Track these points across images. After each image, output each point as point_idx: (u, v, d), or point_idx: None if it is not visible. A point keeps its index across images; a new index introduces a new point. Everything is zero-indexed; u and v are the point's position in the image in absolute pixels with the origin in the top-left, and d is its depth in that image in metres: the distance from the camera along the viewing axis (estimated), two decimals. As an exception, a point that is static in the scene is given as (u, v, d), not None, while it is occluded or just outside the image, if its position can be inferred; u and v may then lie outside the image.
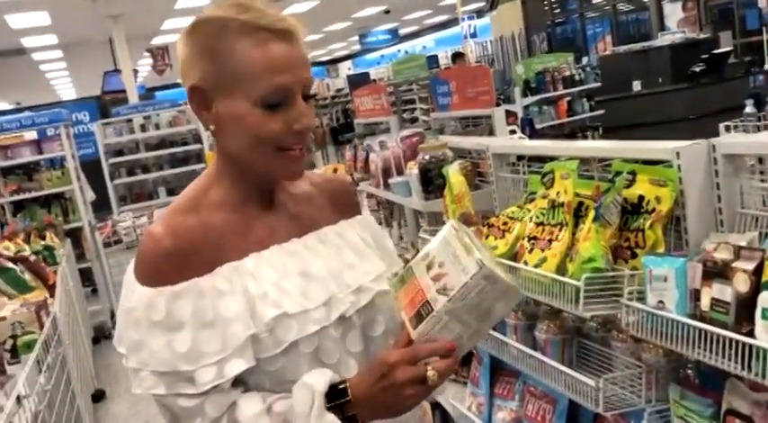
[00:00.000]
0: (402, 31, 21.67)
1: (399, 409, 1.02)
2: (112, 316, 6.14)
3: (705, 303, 1.29)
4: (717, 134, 2.25)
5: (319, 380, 1.02)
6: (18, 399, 2.26)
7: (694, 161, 1.52)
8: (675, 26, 14.12)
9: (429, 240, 1.12)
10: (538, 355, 1.84)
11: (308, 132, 1.07)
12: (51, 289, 3.96)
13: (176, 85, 21.41)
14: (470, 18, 13.93)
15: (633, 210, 1.60)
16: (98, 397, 4.74)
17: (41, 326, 3.05)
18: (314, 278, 1.09)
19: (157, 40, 14.83)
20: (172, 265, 1.03)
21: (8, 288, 3.63)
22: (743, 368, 1.20)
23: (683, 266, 1.34)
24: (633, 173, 1.62)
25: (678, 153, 1.52)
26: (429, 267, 1.05)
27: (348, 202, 1.29)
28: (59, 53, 15.09)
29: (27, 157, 6.13)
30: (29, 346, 2.85)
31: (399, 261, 1.30)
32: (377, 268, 1.17)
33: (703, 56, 9.26)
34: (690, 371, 1.55)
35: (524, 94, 7.31)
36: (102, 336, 5.96)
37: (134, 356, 1.03)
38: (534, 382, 2.03)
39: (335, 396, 1.02)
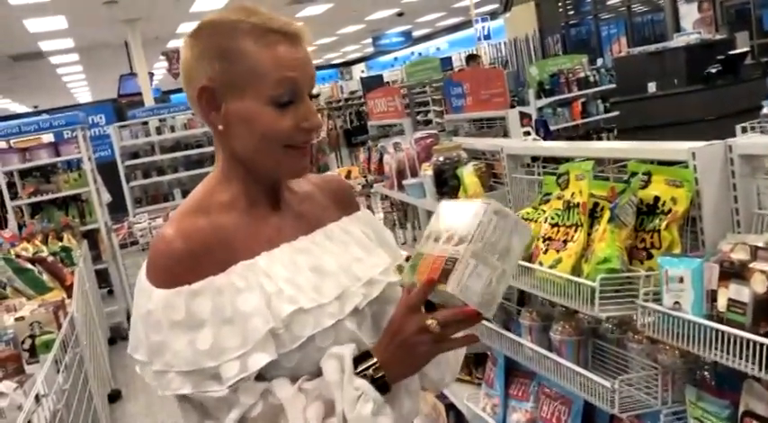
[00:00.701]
0: (415, 34, 21.71)
1: (416, 361, 1.06)
2: (128, 317, 6.18)
3: (722, 304, 1.28)
4: (733, 136, 2.23)
5: (345, 349, 1.07)
6: (37, 397, 2.29)
7: (711, 162, 1.51)
8: (691, 27, 14.02)
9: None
10: (553, 356, 1.84)
11: (315, 130, 1.11)
12: (69, 290, 4.00)
13: (191, 88, 21.53)
14: (484, 20, 13.92)
15: (649, 210, 1.59)
16: (114, 397, 4.78)
17: (59, 326, 3.09)
18: (325, 273, 1.11)
19: (173, 44, 14.96)
20: (185, 266, 1.04)
21: (26, 288, 3.68)
22: (761, 369, 1.19)
23: (700, 267, 1.33)
24: (649, 173, 1.61)
25: (694, 154, 1.51)
26: (437, 239, 1.07)
27: (347, 199, 1.32)
28: (76, 57, 15.26)
29: (44, 159, 6.20)
30: (47, 346, 2.89)
31: (402, 254, 1.32)
32: (384, 261, 1.20)
33: (719, 57, 9.19)
34: (706, 372, 1.54)
35: (538, 96, 7.28)
36: (118, 336, 6.01)
37: (158, 359, 1.03)
38: (549, 384, 2.02)
39: (363, 360, 1.06)
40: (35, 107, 22.27)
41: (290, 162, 1.11)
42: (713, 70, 9.00)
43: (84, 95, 24.25)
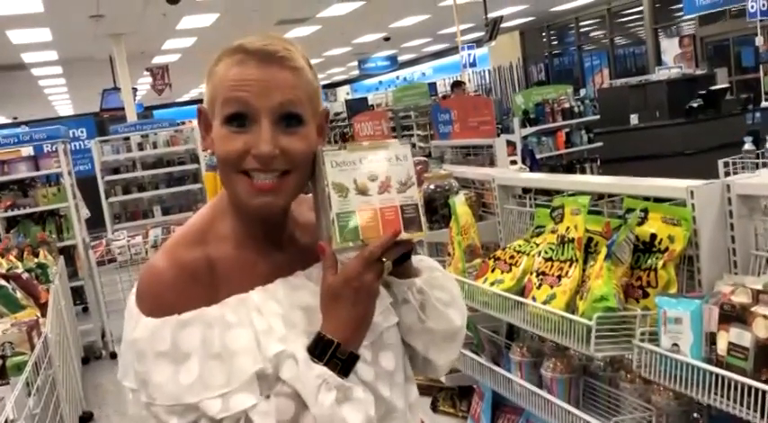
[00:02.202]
0: (401, 58, 21.84)
1: (363, 300, 1.02)
2: (103, 336, 6.06)
3: (722, 348, 1.26)
4: (715, 170, 2.23)
5: (297, 346, 1.01)
6: (6, 423, 2.20)
7: (709, 201, 1.50)
8: (672, 61, 14.29)
9: None
10: (544, 393, 1.80)
11: (265, 159, 1.01)
12: (43, 307, 3.89)
13: (175, 105, 21.48)
14: (470, 47, 14.04)
15: (645, 248, 1.58)
16: (86, 420, 4.64)
17: (32, 347, 2.98)
18: (319, 312, 1.05)
19: (158, 60, 14.89)
20: (175, 295, 1.00)
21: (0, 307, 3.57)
22: (762, 417, 1.17)
23: (699, 309, 1.31)
24: (645, 210, 1.60)
25: (692, 192, 1.50)
26: (362, 192, 1.03)
27: None
28: (59, 69, 15.12)
29: (23, 172, 6.08)
30: (19, 368, 2.78)
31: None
32: (382, 301, 1.13)
33: (701, 92, 9.35)
34: (700, 415, 1.51)
35: (523, 125, 7.33)
36: (92, 356, 5.86)
37: (143, 391, 0.99)
38: (538, 421, 1.98)
39: (323, 350, 1.00)
40: (14, 118, 22.01)
41: (246, 192, 1.03)
42: (694, 104, 9.15)
43: (65, 108, 24.03)
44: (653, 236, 1.56)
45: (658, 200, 1.62)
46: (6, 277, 3.92)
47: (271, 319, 1.02)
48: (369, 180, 1.03)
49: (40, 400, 2.81)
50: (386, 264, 1.00)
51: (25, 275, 4.21)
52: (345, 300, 1.01)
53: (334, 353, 1.00)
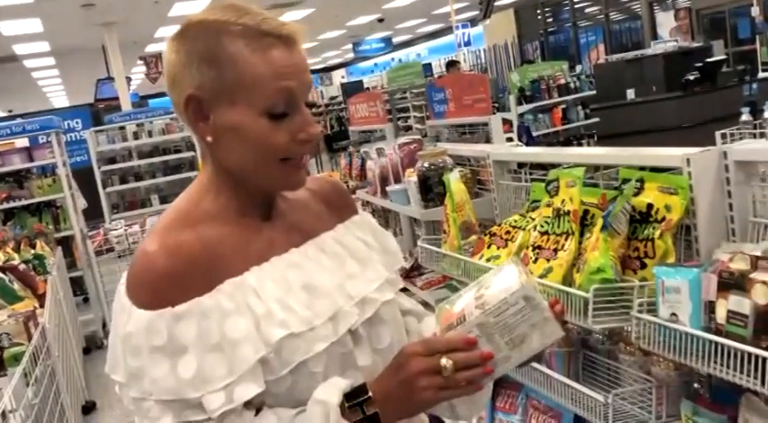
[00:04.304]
0: (395, 40, 21.70)
1: (416, 403, 0.98)
2: (104, 325, 6.06)
3: (721, 316, 1.24)
4: (713, 142, 2.22)
5: (332, 392, 0.97)
6: (3, 414, 2.19)
7: (705, 168, 1.48)
8: (668, 35, 14.19)
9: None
10: (543, 368, 1.79)
11: (313, 141, 1.02)
12: (41, 299, 3.88)
13: (169, 93, 21.37)
14: (464, 27, 13.95)
15: (642, 218, 1.55)
16: (88, 409, 4.65)
17: (30, 337, 2.98)
18: (318, 291, 1.04)
19: (151, 48, 14.78)
20: (170, 284, 0.96)
21: (-4, 298, 3.55)
22: (762, 383, 1.15)
23: (698, 277, 1.29)
24: (641, 180, 1.57)
25: (689, 160, 1.47)
26: (477, 293, 1.02)
27: (342, 202, 1.23)
28: (52, 60, 15.01)
29: (18, 164, 6.04)
30: (16, 359, 2.78)
31: (402, 261, 1.24)
32: (379, 275, 1.12)
33: (697, 64, 9.29)
34: (701, 385, 1.50)
35: (519, 102, 7.28)
36: (93, 346, 5.87)
37: (135, 385, 0.96)
38: (538, 396, 1.97)
39: (355, 396, 0.98)
40: (9, 111, 21.90)
41: (285, 176, 1.03)
42: (691, 77, 9.10)
43: (60, 100, 23.91)
44: (649, 206, 1.53)
45: (654, 170, 1.59)
46: (3, 269, 3.91)
47: (269, 303, 0.99)
48: (484, 286, 1.02)
49: (39, 390, 2.80)
50: (445, 364, 0.95)
51: (22, 267, 4.20)
52: (400, 372, 0.98)
53: (366, 408, 0.97)
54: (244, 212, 1.06)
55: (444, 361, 0.94)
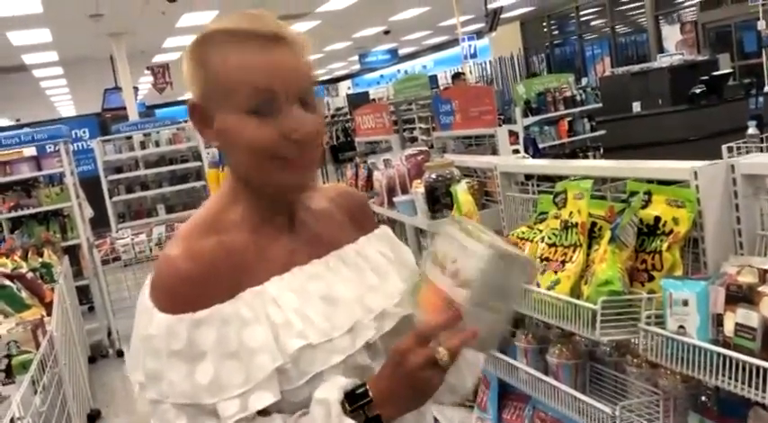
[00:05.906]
0: (401, 52, 21.78)
1: (420, 396, 0.98)
2: (109, 334, 6.06)
3: (729, 329, 1.24)
4: (719, 156, 2.22)
5: (332, 390, 0.97)
6: (12, 421, 2.20)
7: (713, 182, 1.48)
8: (674, 48, 14.21)
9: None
10: (550, 379, 1.79)
11: (308, 141, 1.00)
12: (48, 307, 3.90)
13: (176, 103, 21.47)
14: (470, 39, 14.00)
15: (650, 231, 1.56)
16: (94, 417, 4.65)
17: (37, 345, 2.99)
18: (337, 303, 1.04)
19: (158, 58, 14.89)
20: (191, 289, 0.97)
21: (4, 306, 3.57)
22: (771, 397, 1.15)
23: (705, 290, 1.30)
24: (649, 193, 1.58)
25: (696, 173, 1.48)
26: (442, 267, 1.02)
27: (365, 215, 1.23)
28: (60, 70, 15.13)
29: (26, 173, 6.09)
30: (24, 367, 2.79)
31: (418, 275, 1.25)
32: (398, 290, 1.12)
33: (703, 78, 9.30)
34: (708, 398, 1.50)
35: (525, 115, 7.30)
36: (98, 355, 5.87)
37: (153, 387, 0.97)
38: (545, 408, 1.97)
39: (356, 399, 0.97)
40: (17, 120, 22.02)
41: (281, 175, 1.01)
42: (697, 91, 9.10)
43: (67, 109, 24.05)
44: (657, 218, 1.54)
45: (662, 183, 1.60)
46: (11, 277, 3.93)
47: (288, 313, 1.00)
48: (449, 260, 1.01)
49: (47, 398, 2.81)
50: (441, 355, 0.94)
51: (30, 275, 4.22)
52: (398, 369, 0.97)
53: (365, 408, 0.97)
54: (264, 221, 1.07)
55: (440, 351, 0.95)
